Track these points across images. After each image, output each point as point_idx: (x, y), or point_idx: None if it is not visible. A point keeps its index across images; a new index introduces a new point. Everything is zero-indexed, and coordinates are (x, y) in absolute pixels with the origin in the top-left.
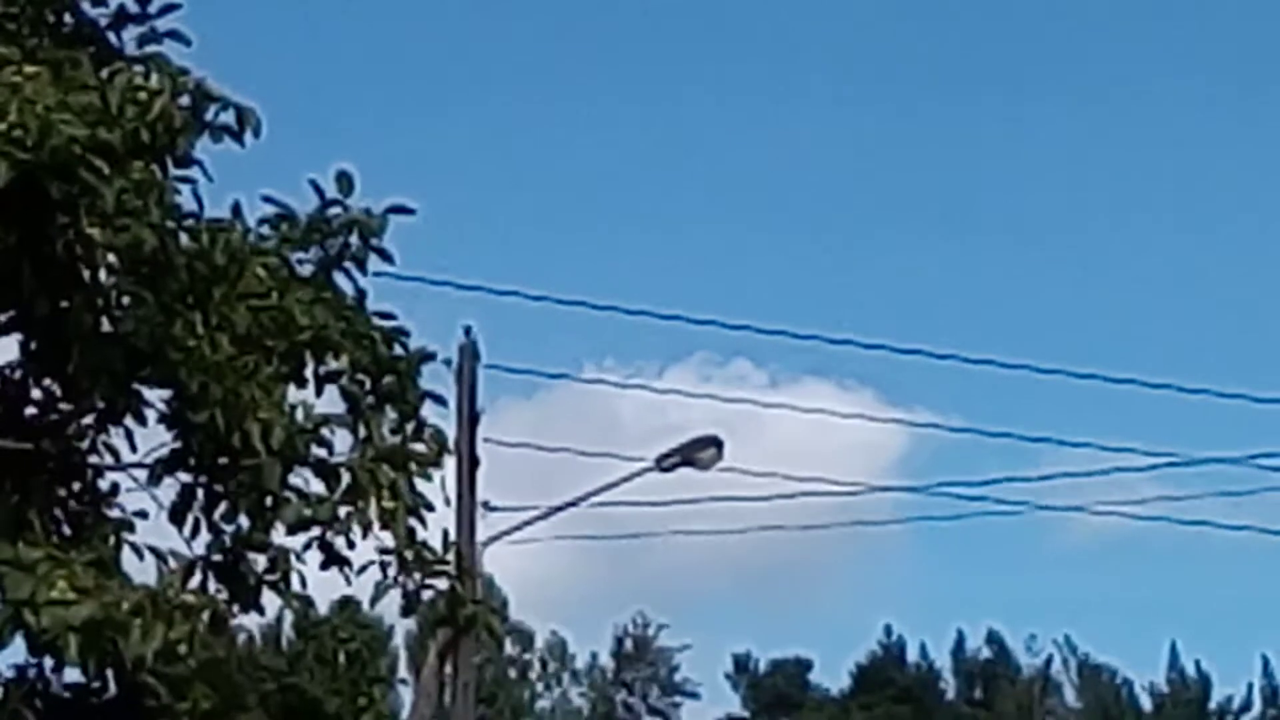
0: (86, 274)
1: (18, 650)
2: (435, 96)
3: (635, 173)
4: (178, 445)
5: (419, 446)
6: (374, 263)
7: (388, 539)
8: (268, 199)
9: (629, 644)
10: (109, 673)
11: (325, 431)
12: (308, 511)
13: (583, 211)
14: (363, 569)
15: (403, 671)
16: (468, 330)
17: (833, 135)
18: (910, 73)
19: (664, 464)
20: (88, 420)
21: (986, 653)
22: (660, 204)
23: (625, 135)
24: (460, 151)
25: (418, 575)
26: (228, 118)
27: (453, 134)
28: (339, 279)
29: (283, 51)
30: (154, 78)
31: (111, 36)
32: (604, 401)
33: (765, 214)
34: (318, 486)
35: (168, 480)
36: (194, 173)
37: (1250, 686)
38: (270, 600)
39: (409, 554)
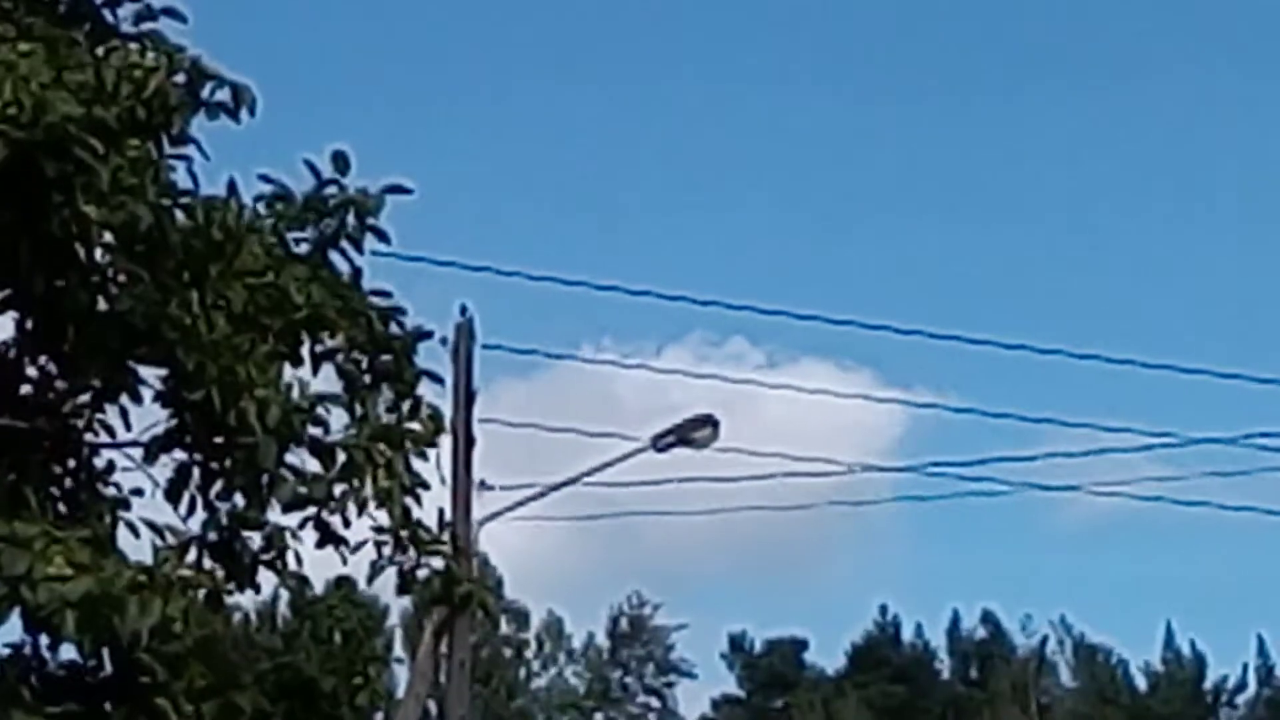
0: (82, 252)
1: (13, 628)
2: (432, 76)
3: (633, 152)
4: (173, 423)
5: (415, 425)
6: (371, 242)
7: (383, 518)
8: (264, 177)
9: (625, 623)
10: (105, 651)
11: (321, 410)
12: (303, 490)
13: (581, 191)
14: (358, 547)
15: (398, 650)
16: (464, 309)
17: (832, 115)
18: (910, 53)
19: (659, 444)
20: (84, 398)
21: (982, 633)
22: (658, 183)
23: (624, 115)
24: (457, 131)
25: (413, 554)
26: (223, 95)
27: (450, 113)
28: (335, 258)
29: (279, 29)
30: (150, 55)
31: (107, 14)
32: (601, 381)
33: (763, 193)
34: (313, 465)
35: (163, 458)
36: (190, 150)
37: (1245, 666)
38: (266, 579)
39: (405, 533)
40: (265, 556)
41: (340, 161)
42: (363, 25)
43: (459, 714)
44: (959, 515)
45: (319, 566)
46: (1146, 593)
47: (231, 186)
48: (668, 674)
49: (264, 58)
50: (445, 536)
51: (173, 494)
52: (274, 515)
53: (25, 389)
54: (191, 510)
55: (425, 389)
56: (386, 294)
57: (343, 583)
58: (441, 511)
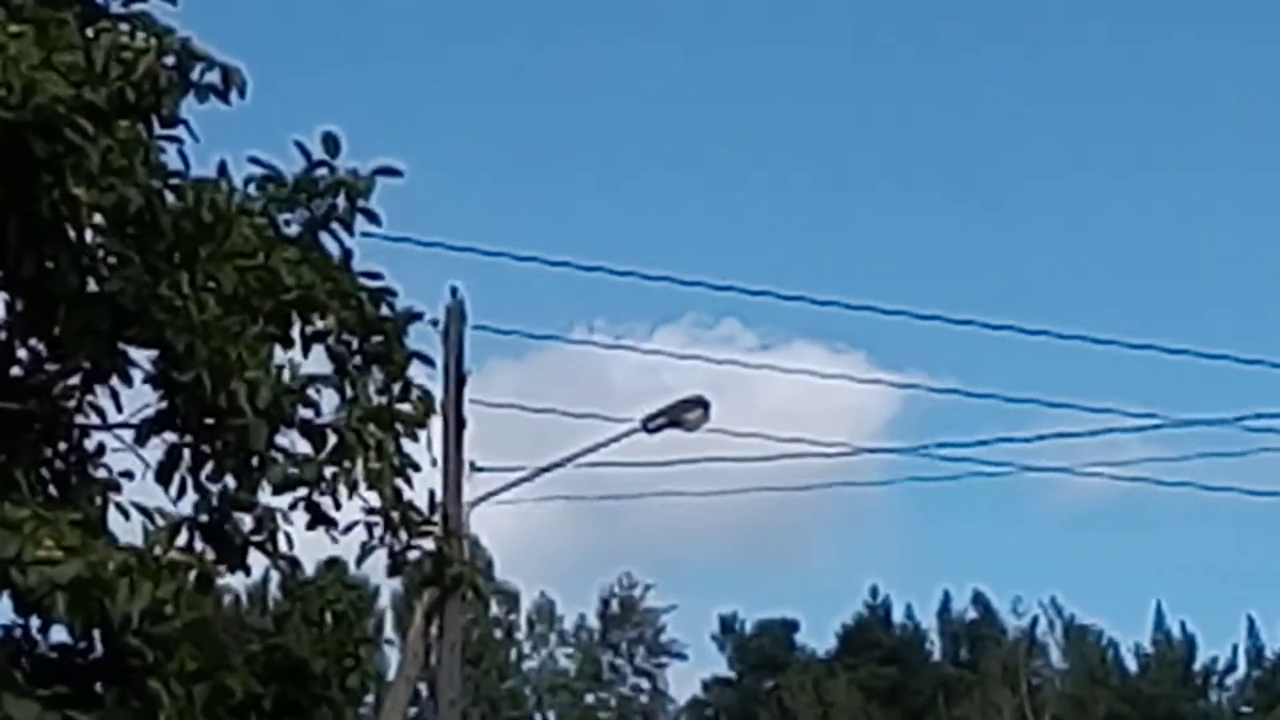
0: (72, 234)
1: (3, 611)
2: (421, 58)
3: (625, 133)
4: (164, 405)
5: (406, 407)
6: (362, 224)
7: (374, 499)
8: (254, 159)
9: (615, 605)
10: (96, 633)
11: (311, 392)
12: (294, 471)
13: (574, 173)
14: (349, 529)
15: (389, 632)
16: (454, 291)
17: (822, 96)
18: (899, 33)
19: (650, 425)
20: (74, 380)
21: (972, 614)
22: (650, 165)
23: (615, 97)
24: (448, 113)
25: (404, 535)
26: (213, 77)
27: (441, 95)
28: (326, 240)
29: (268, 11)
30: (139, 37)
31: None
32: (594, 362)
33: (757, 175)
34: (304, 447)
35: (154, 440)
36: (180, 132)
37: (1235, 648)
38: (257, 560)
39: (395, 514)
40: (256, 538)
41: (330, 143)
42: (352, 7)
43: (450, 696)
44: (950, 497)
45: (310, 548)
46: (1137, 574)
47: (222, 168)
48: (658, 655)
49: (254, 39)
50: (436, 518)
51: (163, 476)
52: (265, 497)
53: (15, 371)
54: (182, 492)
55: (416, 371)
56: (377, 276)
57: (333, 564)
58: (432, 493)
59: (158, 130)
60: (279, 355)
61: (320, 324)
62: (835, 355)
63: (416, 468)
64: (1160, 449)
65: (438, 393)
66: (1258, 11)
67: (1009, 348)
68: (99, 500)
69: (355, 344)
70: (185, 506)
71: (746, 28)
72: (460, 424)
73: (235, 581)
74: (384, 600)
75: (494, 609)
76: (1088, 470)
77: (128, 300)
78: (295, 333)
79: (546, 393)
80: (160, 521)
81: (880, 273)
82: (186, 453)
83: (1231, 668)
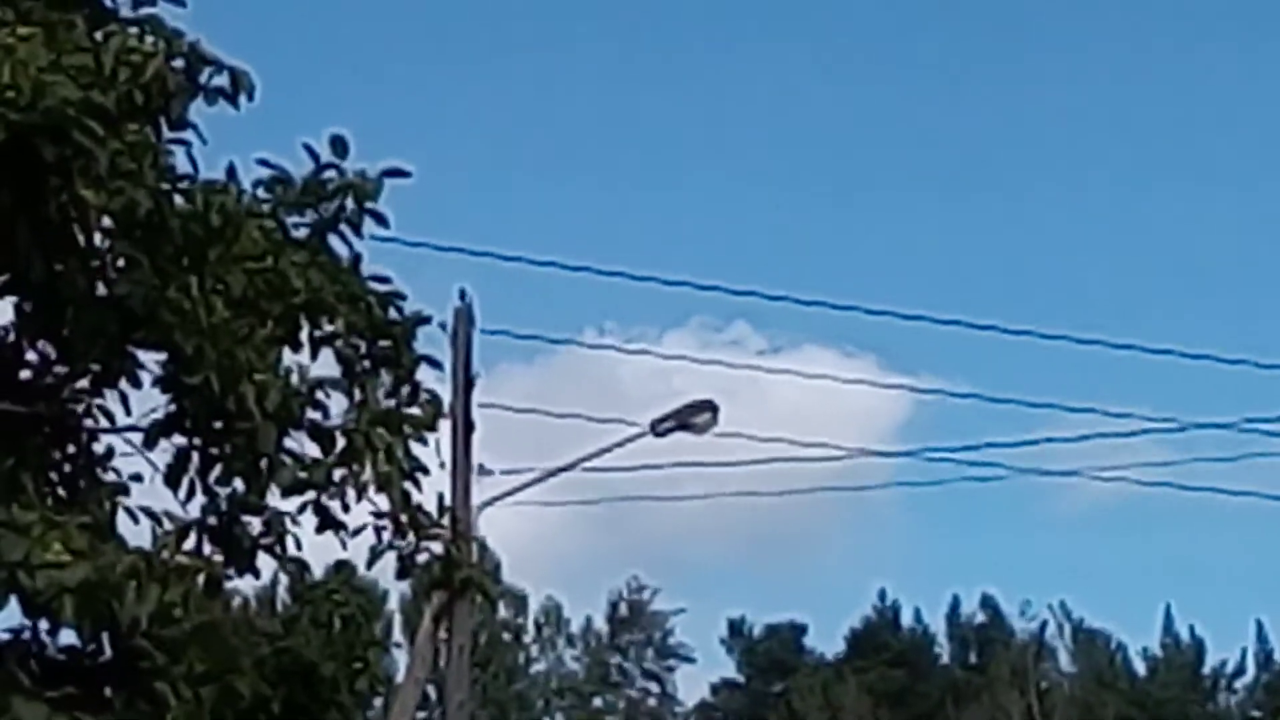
0: (81, 237)
1: (12, 614)
2: (429, 60)
3: (633, 136)
4: (172, 408)
5: (414, 410)
6: (370, 226)
7: (383, 502)
8: (263, 162)
9: (624, 608)
10: (104, 636)
11: (320, 395)
12: (303, 475)
13: (582, 175)
14: (358, 532)
15: (397, 635)
16: (462, 293)
17: (829, 98)
18: (914, 33)
19: (659, 429)
20: (82, 383)
21: (981, 617)
22: (661, 167)
23: (625, 99)
24: (456, 115)
25: (413, 538)
26: (222, 80)
27: (448, 97)
28: (334, 242)
29: (276, 14)
30: (148, 40)
31: None
32: (603, 366)
33: (763, 177)
34: (313, 450)
35: (163, 443)
36: (188, 135)
37: (1244, 651)
38: (265, 563)
39: (404, 517)
40: (264, 541)
41: (338, 145)
42: (360, 9)
43: (458, 698)
44: (958, 500)
45: (318, 551)
46: (1146, 577)
47: (230, 171)
48: (667, 659)
49: (262, 42)
50: (444, 521)
51: (172, 479)
52: (273, 500)
53: (24, 374)
54: (191, 495)
55: (424, 374)
56: (385, 279)
57: (342, 567)
58: (441, 496)
59: (166, 133)
60: (287, 358)
61: (329, 327)
62: (846, 359)
63: (425, 471)
64: (1170, 453)
65: (446, 396)
66: (1259, 12)
67: (1021, 351)
68: (107, 503)
69: (364, 347)
70: (194, 509)
71: (761, 29)
72: (469, 427)
73: (244, 584)
74: (392, 603)
75: (502, 612)
76: (1097, 474)
77: (136, 303)
78: (304, 336)
79: (556, 396)
80: (169, 525)
81: (890, 276)
82: (195, 456)
83: (1240, 671)
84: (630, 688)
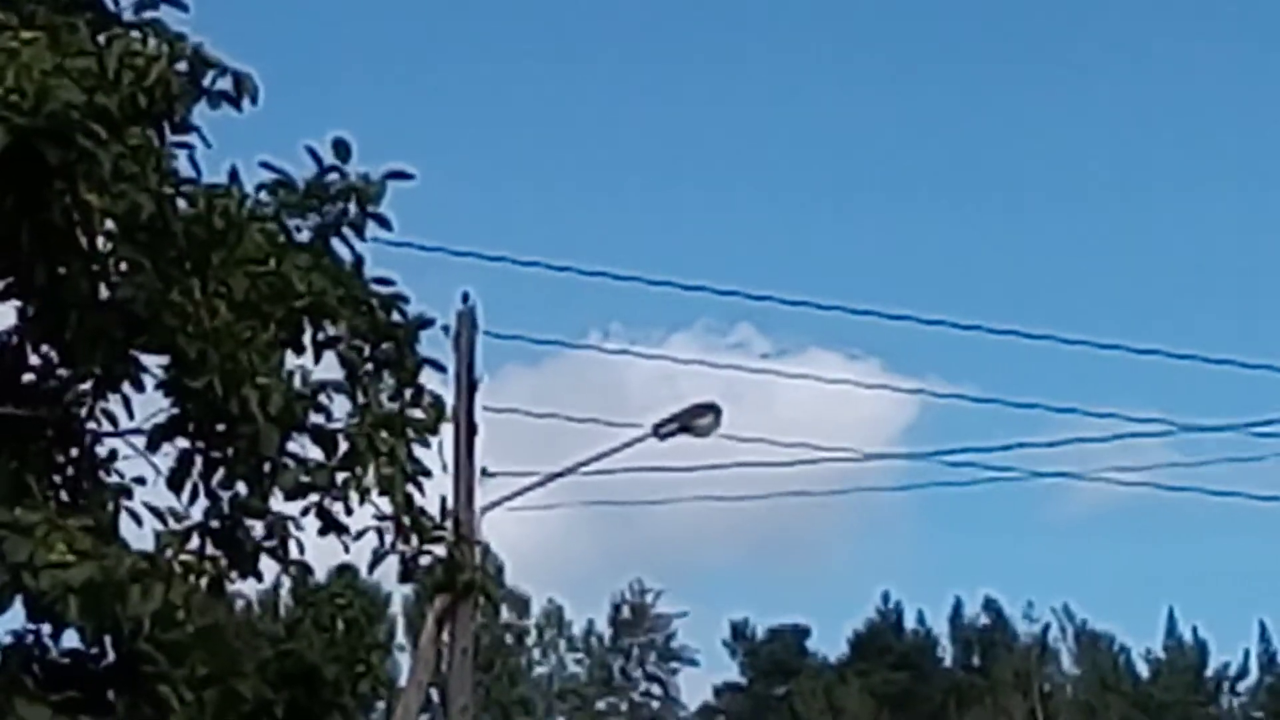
0: (84, 240)
1: (16, 616)
2: (431, 61)
3: (637, 138)
4: (175, 412)
5: (417, 413)
6: (373, 229)
7: (385, 505)
8: (266, 165)
9: (626, 611)
10: (107, 638)
11: (323, 398)
12: (306, 478)
13: (584, 177)
14: (360, 535)
15: (400, 638)
16: (465, 296)
17: (841, 101)
18: (922, 36)
19: (661, 431)
20: (86, 386)
21: (984, 620)
22: (661, 172)
23: (630, 102)
24: (458, 117)
25: (416, 542)
26: (225, 83)
27: (450, 99)
28: (337, 245)
29: (280, 16)
30: (151, 43)
31: (108, 2)
32: (606, 368)
33: (767, 181)
34: (316, 453)
35: (166, 446)
36: (191, 138)
37: (1247, 653)
38: (268, 566)
39: (407, 520)
40: (267, 544)
41: (341, 148)
42: (364, 11)
43: (461, 701)
44: (961, 503)
45: (321, 554)
46: (1148, 580)
47: (233, 174)
48: (670, 661)
49: (265, 45)
50: (447, 524)
51: (175, 482)
52: (276, 503)
53: (27, 377)
54: (194, 498)
55: (427, 377)
56: (388, 282)
57: (345, 570)
58: (444, 499)
59: (169, 137)
60: (290, 361)
61: (332, 330)
62: (851, 361)
63: (428, 474)
64: (1172, 454)
65: (449, 399)
66: (1259, 14)
67: (1026, 354)
68: (111, 506)
69: (367, 350)
70: (197, 512)
71: (766, 33)
72: (471, 430)
73: (247, 588)
74: (395, 606)
75: (505, 615)
76: (1099, 476)
77: (139, 307)
78: (307, 339)
79: (561, 399)
80: (173, 524)
81: (890, 278)
82: (198, 459)
83: (1243, 673)
84: (633, 690)
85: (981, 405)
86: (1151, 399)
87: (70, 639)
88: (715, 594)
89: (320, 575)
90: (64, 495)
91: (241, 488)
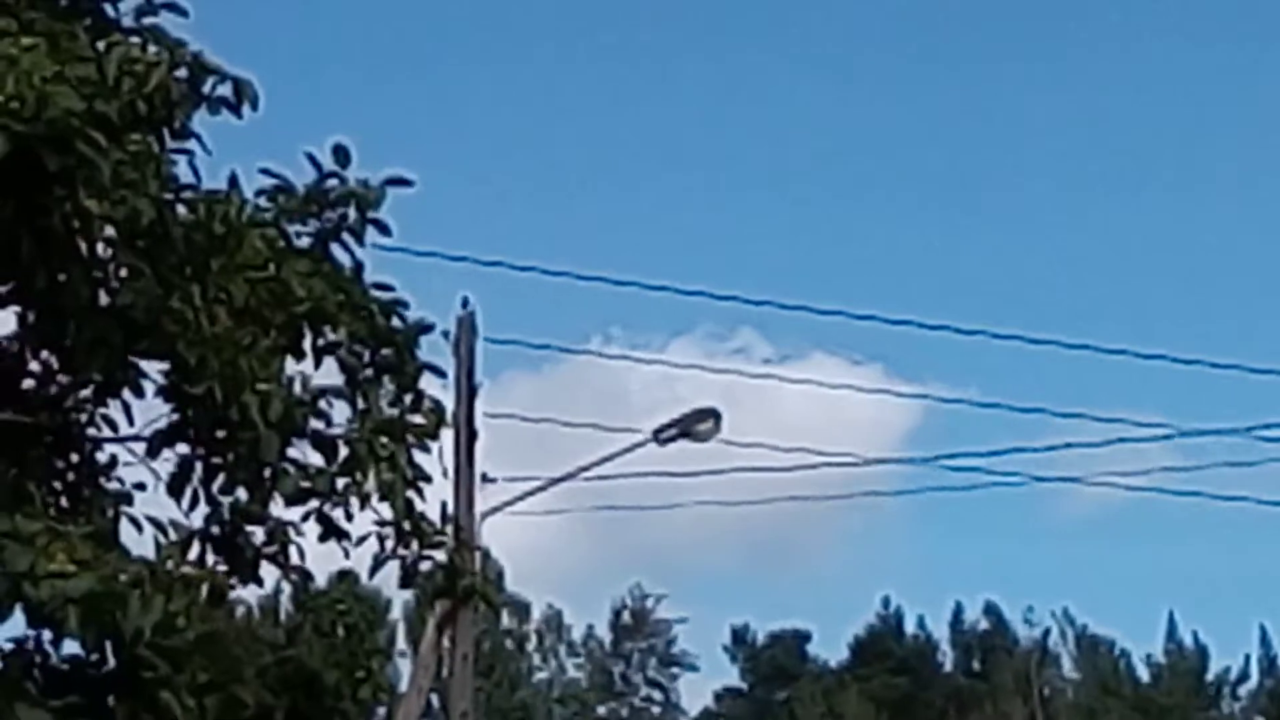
0: (84, 246)
1: (16, 624)
2: (435, 67)
3: (638, 144)
4: (175, 418)
5: (417, 419)
6: (373, 235)
7: (386, 511)
8: (265, 171)
9: (627, 616)
10: (108, 645)
11: (323, 404)
12: (306, 484)
13: (585, 183)
14: (361, 541)
15: (401, 643)
16: (465, 302)
17: (843, 105)
18: (926, 39)
19: (662, 436)
20: (85, 393)
21: (984, 624)
22: (664, 176)
23: (629, 106)
24: (458, 123)
25: (416, 547)
26: (225, 90)
27: (450, 105)
28: (337, 251)
29: (280, 23)
30: (151, 50)
31: (108, 8)
32: (607, 374)
33: (769, 184)
34: (316, 459)
35: (166, 453)
36: (191, 145)
37: (1248, 657)
38: (269, 573)
39: (407, 526)
40: (268, 551)
41: (341, 154)
42: (363, 18)
43: (461, 707)
44: (961, 507)
45: (321, 560)
46: (1149, 584)
47: (233, 180)
48: (670, 666)
49: (265, 52)
50: (448, 530)
51: (175, 488)
52: (276, 509)
53: (27, 383)
54: (194, 504)
55: (428, 382)
56: (388, 287)
57: (345, 576)
58: (444, 505)
59: (169, 143)
60: (290, 367)
61: (331, 336)
62: (853, 366)
63: (428, 479)
64: (1172, 458)
65: (449, 404)
66: (1259, 15)
67: (1028, 358)
68: (111, 513)
69: (367, 356)
70: (197, 519)
71: (766, 35)
72: (472, 435)
73: (247, 594)
74: (396, 612)
75: (505, 620)
76: (1099, 480)
77: (139, 313)
78: (307, 345)
79: (561, 404)
80: (172, 535)
81: (891, 280)
82: (198, 465)
83: (1244, 677)
84: (633, 696)
85: (984, 410)
86: (1155, 403)
87: (71, 645)
88: (716, 599)
89: (321, 581)
90: (64, 501)
91: (242, 493)
